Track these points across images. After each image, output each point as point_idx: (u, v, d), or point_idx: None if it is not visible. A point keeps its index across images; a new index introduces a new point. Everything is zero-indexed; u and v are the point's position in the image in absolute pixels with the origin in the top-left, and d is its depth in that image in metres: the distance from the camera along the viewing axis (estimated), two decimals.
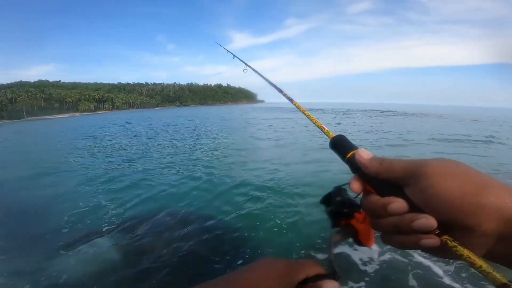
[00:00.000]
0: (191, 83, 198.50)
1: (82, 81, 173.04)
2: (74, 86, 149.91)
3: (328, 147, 0.43)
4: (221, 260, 3.13)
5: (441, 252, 0.31)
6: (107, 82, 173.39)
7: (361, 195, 0.38)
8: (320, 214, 3.90)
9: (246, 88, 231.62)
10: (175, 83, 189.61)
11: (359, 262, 2.99)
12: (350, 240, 0.42)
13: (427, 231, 0.30)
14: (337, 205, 0.42)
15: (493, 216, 0.28)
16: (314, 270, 0.37)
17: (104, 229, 4.01)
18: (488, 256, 0.30)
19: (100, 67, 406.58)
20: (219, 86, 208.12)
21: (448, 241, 0.29)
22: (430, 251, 0.31)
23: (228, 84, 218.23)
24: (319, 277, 0.36)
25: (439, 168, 0.31)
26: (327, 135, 0.47)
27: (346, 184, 0.40)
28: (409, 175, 0.32)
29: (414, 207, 0.31)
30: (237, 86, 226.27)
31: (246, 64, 1.35)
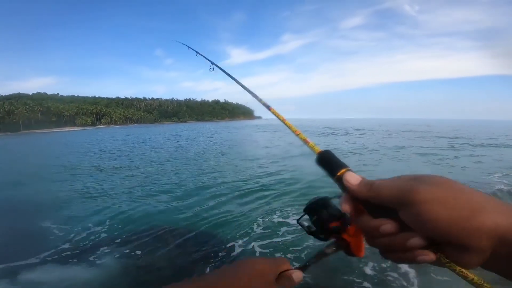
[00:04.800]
0: (189, 99, 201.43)
1: (81, 95, 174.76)
2: (73, 99, 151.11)
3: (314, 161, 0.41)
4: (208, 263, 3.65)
5: (436, 263, 0.33)
6: (105, 96, 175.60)
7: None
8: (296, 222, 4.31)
9: (244, 104, 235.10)
10: (173, 98, 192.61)
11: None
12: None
13: (422, 248, 0.32)
14: (326, 217, 0.40)
15: (487, 236, 0.29)
16: (285, 266, 0.42)
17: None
18: (484, 267, 0.32)
19: (99, 80, 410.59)
20: (216, 102, 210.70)
21: (441, 258, 0.32)
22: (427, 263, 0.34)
23: (225, 100, 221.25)
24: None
25: (428, 194, 0.30)
26: (312, 149, 0.44)
27: (333, 197, 0.41)
28: (398, 201, 0.32)
29: (407, 227, 0.32)
30: (234, 102, 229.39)
31: (212, 62, 1.33)
